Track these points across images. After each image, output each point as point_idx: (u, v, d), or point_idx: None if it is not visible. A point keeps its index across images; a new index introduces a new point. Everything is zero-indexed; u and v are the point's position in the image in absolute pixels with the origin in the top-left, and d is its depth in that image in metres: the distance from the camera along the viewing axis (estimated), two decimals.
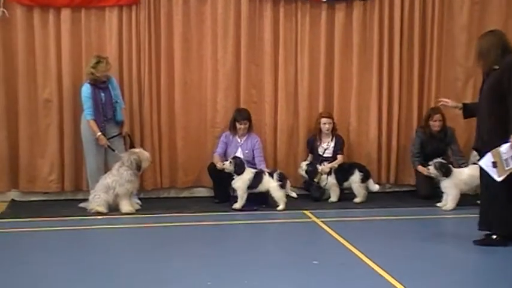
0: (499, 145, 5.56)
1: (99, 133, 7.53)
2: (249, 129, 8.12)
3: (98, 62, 7.53)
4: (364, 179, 8.08)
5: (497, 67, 5.69)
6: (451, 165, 7.71)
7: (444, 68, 8.74)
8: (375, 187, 8.13)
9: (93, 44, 8.13)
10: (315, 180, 8.09)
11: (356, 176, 8.05)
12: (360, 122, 8.71)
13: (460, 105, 6.52)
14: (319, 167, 8.09)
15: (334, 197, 8.11)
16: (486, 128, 5.78)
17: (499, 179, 5.62)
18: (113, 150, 7.57)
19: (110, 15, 8.12)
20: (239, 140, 8.10)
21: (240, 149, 8.04)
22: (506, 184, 5.64)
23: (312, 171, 8.06)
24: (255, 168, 7.86)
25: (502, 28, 8.48)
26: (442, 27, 8.67)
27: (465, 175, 7.67)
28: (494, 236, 5.90)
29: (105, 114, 7.61)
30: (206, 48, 8.38)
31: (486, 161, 5.69)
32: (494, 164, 5.61)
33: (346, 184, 8.13)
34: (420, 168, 8.17)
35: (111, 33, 8.14)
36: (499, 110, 5.62)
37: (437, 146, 8.28)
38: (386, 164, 8.79)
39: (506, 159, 5.54)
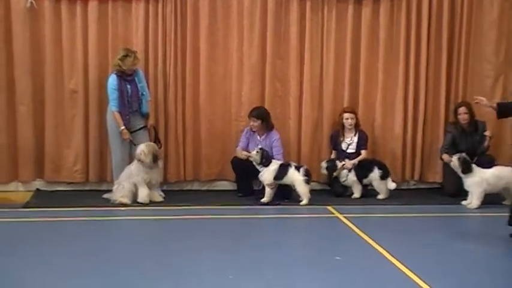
0: None
1: (123, 127, 7.56)
2: (265, 128, 8.06)
3: (126, 56, 7.56)
4: (384, 177, 8.01)
5: None
6: (473, 165, 7.60)
7: (472, 64, 8.62)
8: (392, 185, 8.04)
9: (120, 36, 8.17)
10: (334, 174, 8.04)
11: (375, 173, 8.01)
12: (385, 117, 8.63)
13: (494, 105, 6.40)
14: (339, 163, 8.03)
15: (357, 193, 8.06)
16: None
17: None
18: (134, 145, 7.58)
19: (137, 7, 8.14)
20: (259, 138, 8.08)
21: (259, 147, 8.01)
22: None
23: (331, 167, 8.02)
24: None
25: None
26: (470, 23, 8.54)
27: (489, 174, 7.56)
28: None
29: (130, 106, 7.64)
30: (232, 41, 8.37)
31: None
32: None
33: (365, 181, 8.08)
34: (445, 155, 8.08)
35: (137, 26, 8.17)
36: None
37: (471, 142, 8.15)
38: (411, 161, 8.71)
39: None
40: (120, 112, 7.57)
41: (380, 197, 8.02)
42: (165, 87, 8.29)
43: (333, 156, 8.34)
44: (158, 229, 6.68)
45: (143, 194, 7.45)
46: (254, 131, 8.07)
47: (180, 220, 6.98)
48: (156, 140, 7.94)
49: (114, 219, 6.90)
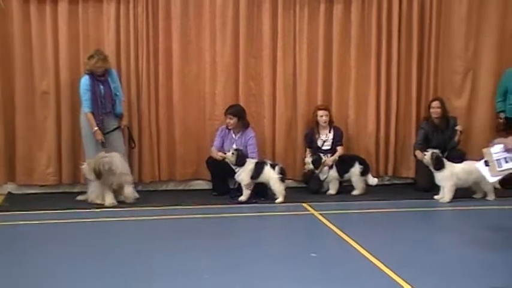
0: None
1: (96, 128, 7.50)
2: (241, 126, 8.06)
3: (90, 57, 7.51)
4: (364, 172, 8.09)
5: None
6: (445, 160, 7.70)
7: (442, 60, 8.72)
8: (374, 181, 8.15)
9: (91, 37, 8.10)
10: (317, 171, 8.07)
11: (356, 169, 8.08)
12: (358, 114, 8.70)
13: None
14: (324, 157, 8.07)
15: (332, 190, 8.11)
16: None
17: (491, 180, 5.60)
18: (104, 147, 7.50)
19: (108, 7, 8.08)
20: (234, 136, 8.08)
21: (235, 145, 8.01)
22: None
23: (318, 161, 8.04)
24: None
25: (501, 20, 8.57)
26: (440, 20, 8.64)
27: (459, 169, 7.68)
28: None
29: (104, 107, 7.58)
30: (204, 40, 8.36)
31: (481, 161, 5.66)
32: (486, 163, 5.55)
33: (346, 176, 8.14)
34: (417, 152, 8.17)
35: (108, 26, 8.11)
36: None
37: (443, 137, 8.27)
38: (384, 156, 8.79)
39: (498, 160, 5.45)
40: (93, 113, 7.51)
41: (355, 193, 8.08)
42: (138, 88, 8.25)
43: (307, 154, 8.37)
44: (133, 230, 6.63)
45: (108, 198, 7.40)
46: (229, 129, 8.07)
47: (156, 220, 6.96)
48: (130, 140, 7.91)
49: (88, 221, 6.84)
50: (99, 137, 7.51)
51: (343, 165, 8.13)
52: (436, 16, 8.59)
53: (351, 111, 8.69)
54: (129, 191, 7.54)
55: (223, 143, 8.08)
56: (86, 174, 7.39)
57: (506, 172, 5.54)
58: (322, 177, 8.13)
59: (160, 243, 5.92)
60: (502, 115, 8.50)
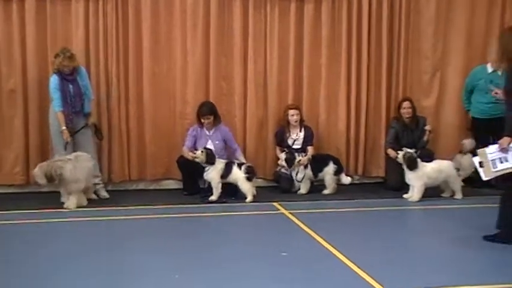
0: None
1: (64, 127, 7.40)
2: (216, 122, 8.07)
3: (56, 55, 7.41)
4: (338, 172, 8.13)
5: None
6: (418, 160, 7.78)
7: (411, 60, 8.82)
8: (347, 180, 8.20)
9: (59, 35, 8.00)
10: (292, 168, 8.07)
11: (330, 168, 8.11)
12: (328, 113, 8.74)
13: None
14: (298, 157, 8.08)
15: (303, 189, 8.14)
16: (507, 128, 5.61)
17: (485, 179, 5.58)
18: (65, 150, 7.39)
19: (76, 4, 7.99)
20: (208, 133, 8.07)
21: (210, 141, 8.01)
22: None
23: (291, 159, 8.05)
24: (225, 159, 7.88)
25: (468, 21, 8.71)
26: (409, 21, 8.73)
27: (429, 169, 7.76)
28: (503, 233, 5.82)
29: (73, 106, 7.49)
30: (175, 39, 8.31)
31: (475, 160, 5.67)
32: (481, 164, 5.56)
33: (320, 175, 8.16)
34: (390, 151, 8.25)
35: (77, 24, 8.02)
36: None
37: (412, 136, 8.36)
38: (354, 156, 8.85)
39: (493, 160, 5.49)
40: (63, 112, 7.43)
41: (326, 192, 8.12)
42: (108, 86, 8.18)
43: (277, 152, 8.39)
44: (103, 230, 6.57)
45: (68, 200, 7.29)
46: (202, 127, 8.04)
47: (126, 220, 6.90)
48: (97, 132, 7.82)
49: (57, 221, 6.76)
50: (66, 136, 7.42)
51: (317, 164, 8.16)
52: (405, 17, 8.68)
53: (321, 110, 8.73)
54: (71, 202, 7.25)
55: (195, 142, 8.05)
56: (37, 178, 7.14)
57: (501, 172, 5.57)
58: (298, 176, 8.12)
59: (130, 243, 5.88)
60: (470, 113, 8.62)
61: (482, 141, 8.35)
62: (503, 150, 5.50)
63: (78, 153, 7.37)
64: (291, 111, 8.31)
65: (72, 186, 7.21)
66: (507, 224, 5.75)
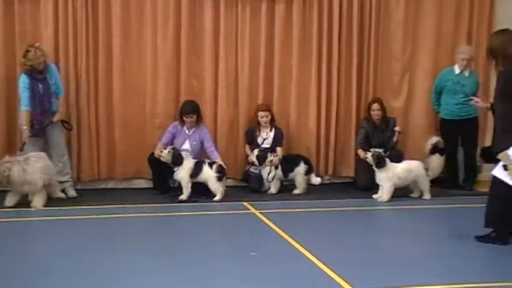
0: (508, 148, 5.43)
1: (25, 127, 7.31)
2: (198, 121, 8.05)
3: (27, 51, 7.30)
4: (308, 172, 8.16)
5: (502, 69, 5.60)
6: (387, 159, 7.85)
7: (381, 62, 8.90)
8: (317, 180, 8.24)
9: (28, 32, 7.90)
10: (262, 166, 8.06)
11: (301, 168, 8.14)
12: (299, 113, 8.77)
13: (489, 105, 6.59)
14: (270, 156, 8.08)
15: (273, 189, 8.15)
16: (498, 129, 5.65)
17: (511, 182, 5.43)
18: (21, 151, 7.29)
19: (45, 1, 7.90)
20: (187, 132, 8.04)
21: (187, 140, 7.99)
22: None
23: (263, 157, 8.05)
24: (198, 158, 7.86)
25: (436, 24, 8.83)
26: (379, 22, 8.81)
27: (399, 169, 7.84)
28: (494, 234, 5.88)
29: (42, 106, 7.40)
30: (146, 37, 8.27)
31: (498, 168, 5.51)
32: (505, 167, 5.44)
33: (291, 175, 8.18)
34: (359, 151, 8.32)
35: (46, 20, 7.93)
36: (509, 111, 5.49)
37: (382, 137, 8.44)
38: (325, 156, 8.89)
39: None
40: (32, 112, 7.32)
41: (296, 192, 8.15)
42: (77, 84, 8.10)
43: (247, 149, 8.40)
44: (71, 229, 6.47)
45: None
46: (182, 126, 8.01)
47: (94, 219, 6.84)
48: (64, 123, 7.70)
49: (25, 220, 6.68)
50: (25, 136, 7.32)
51: (288, 164, 8.18)
52: (375, 19, 8.75)
53: (292, 110, 8.76)
54: (36, 202, 7.15)
55: (173, 139, 8.01)
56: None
57: None
58: (269, 176, 8.10)
59: (99, 242, 5.83)
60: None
61: (451, 142, 8.54)
62: None
63: (31, 153, 7.22)
64: (261, 113, 8.32)
65: (24, 188, 7.09)
66: (498, 223, 5.81)
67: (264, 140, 8.37)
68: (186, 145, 7.96)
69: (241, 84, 8.58)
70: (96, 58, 8.13)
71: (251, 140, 8.42)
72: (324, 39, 8.66)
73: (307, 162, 8.23)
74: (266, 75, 8.62)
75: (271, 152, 8.20)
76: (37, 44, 7.41)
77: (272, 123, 8.42)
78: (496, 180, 5.61)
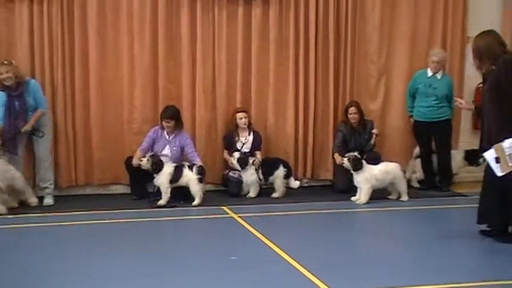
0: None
1: None
2: (178, 127, 8.04)
3: None
4: (287, 175, 8.18)
5: (493, 67, 5.69)
6: (363, 161, 7.91)
7: (358, 65, 8.95)
8: (296, 184, 8.27)
9: (2, 39, 7.84)
10: (244, 169, 8.05)
11: (281, 171, 8.16)
12: (277, 117, 8.80)
13: (473, 107, 6.64)
14: (251, 159, 8.08)
15: (252, 193, 8.15)
16: (494, 128, 5.70)
17: (500, 174, 5.59)
18: None
19: (20, 7, 7.83)
20: (167, 137, 8.02)
21: (168, 146, 7.98)
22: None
23: (244, 160, 8.04)
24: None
25: (411, 28, 8.93)
26: (355, 25, 8.86)
27: (376, 171, 7.90)
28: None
29: (16, 124, 7.36)
30: (122, 43, 8.23)
31: (490, 156, 5.64)
32: (498, 160, 5.56)
33: (271, 179, 8.19)
34: (336, 156, 8.36)
35: (21, 27, 7.86)
36: (503, 109, 5.60)
37: (360, 140, 8.49)
38: (303, 159, 8.92)
39: (510, 155, 5.51)
40: (4, 129, 7.31)
41: (275, 195, 8.16)
42: (53, 91, 8.04)
43: (225, 155, 8.39)
44: (46, 237, 6.41)
45: None
46: (163, 131, 8.00)
47: (72, 226, 6.79)
48: (34, 131, 7.58)
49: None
50: None
51: (268, 167, 8.19)
52: (351, 22, 8.79)
53: (270, 114, 8.78)
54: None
55: (153, 144, 7.99)
56: None
57: None
58: (251, 179, 8.11)
59: (77, 249, 5.81)
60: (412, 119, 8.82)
61: (425, 144, 8.64)
62: None
63: None
64: (239, 114, 8.34)
65: None
66: (494, 217, 5.92)
67: (243, 144, 8.37)
68: (166, 150, 7.95)
69: (218, 88, 8.58)
70: (73, 64, 8.09)
71: (230, 145, 8.42)
72: (301, 43, 8.69)
73: (286, 165, 8.26)
74: (243, 79, 8.64)
75: (250, 156, 8.21)
76: (6, 60, 7.34)
77: (250, 127, 8.43)
78: (489, 178, 5.76)
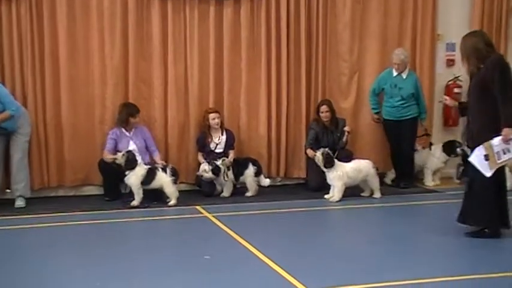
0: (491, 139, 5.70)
1: None
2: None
3: None
4: (257, 174, 8.20)
5: (481, 66, 5.83)
6: (335, 159, 7.95)
7: (329, 63, 8.99)
8: (266, 182, 8.29)
9: None
10: (219, 176, 8.04)
11: (250, 170, 8.16)
12: (249, 116, 8.79)
13: (456, 103, 6.74)
14: (218, 162, 8.04)
15: (226, 192, 8.15)
16: (477, 126, 5.88)
17: (489, 174, 5.73)
18: None
19: None
20: (128, 134, 8.00)
21: (131, 142, 7.95)
22: (494, 178, 5.80)
23: (218, 168, 7.99)
24: (148, 162, 7.85)
25: (382, 26, 9.01)
26: (326, 24, 8.90)
27: (348, 168, 7.95)
28: (486, 230, 6.03)
29: None
30: (92, 43, 8.15)
31: (478, 155, 5.76)
32: (487, 157, 5.71)
33: (241, 178, 8.20)
34: (309, 151, 8.40)
35: None
36: (489, 107, 5.74)
37: (332, 138, 8.53)
38: (276, 158, 8.93)
39: (497, 152, 5.67)
40: None
41: (248, 194, 8.18)
42: (24, 92, 7.94)
43: (199, 158, 8.36)
44: (18, 239, 6.34)
45: None
46: (123, 129, 7.97)
47: (44, 228, 6.72)
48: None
49: None
50: None
51: (238, 167, 8.20)
52: (322, 20, 8.83)
53: (242, 114, 8.78)
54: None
55: (116, 145, 7.95)
56: None
57: (504, 163, 5.78)
58: (225, 179, 8.08)
59: (50, 251, 5.75)
60: (376, 116, 8.90)
61: (393, 141, 8.74)
62: (508, 141, 5.67)
63: None
64: (212, 115, 8.32)
65: None
66: (486, 216, 5.97)
67: (217, 145, 8.36)
68: (132, 146, 7.92)
69: (191, 88, 8.55)
70: (43, 64, 7.99)
71: (203, 147, 8.39)
72: (273, 41, 8.70)
73: (255, 164, 8.26)
74: (216, 79, 8.62)
75: (223, 157, 8.17)
76: None
77: (222, 126, 8.42)
78: (477, 181, 5.85)
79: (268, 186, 8.33)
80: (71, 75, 8.11)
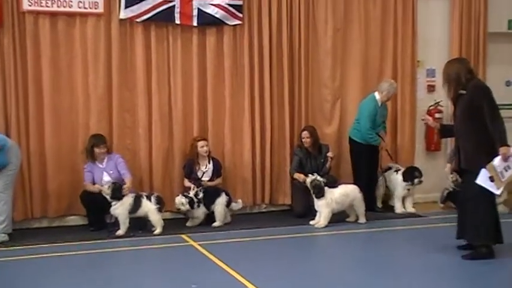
0: (488, 161, 5.89)
1: None
2: (108, 151, 8.01)
3: None
4: (229, 204, 8.17)
5: (464, 92, 6.08)
6: (325, 188, 7.95)
7: (312, 90, 9.08)
8: (238, 205, 8.30)
9: None
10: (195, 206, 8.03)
11: (223, 199, 8.09)
12: (234, 143, 8.82)
13: (438, 125, 6.89)
14: (192, 194, 8.01)
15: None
16: (470, 149, 6.09)
17: (498, 192, 5.97)
18: None
19: None
20: (100, 165, 7.97)
21: (105, 173, 7.92)
22: (486, 196, 5.99)
23: (192, 202, 7.96)
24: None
25: (363, 53, 9.13)
26: (308, 51, 9.01)
27: (337, 194, 7.98)
28: (484, 249, 6.14)
29: None
30: (76, 72, 8.16)
31: (483, 178, 5.93)
32: (492, 178, 5.90)
33: (212, 207, 8.09)
34: (297, 175, 8.41)
35: None
36: (478, 130, 5.99)
37: (315, 163, 8.56)
38: (261, 184, 8.94)
39: (501, 172, 5.87)
40: None
41: (216, 224, 8.01)
42: (7, 120, 7.91)
43: (186, 184, 8.33)
44: (4, 270, 6.27)
45: None
46: (94, 161, 7.92)
47: (29, 260, 6.64)
48: None
49: None
50: None
51: (209, 197, 8.09)
52: (304, 48, 8.94)
53: (227, 140, 8.80)
54: None
55: (93, 177, 7.93)
56: None
57: (508, 181, 5.95)
58: (196, 213, 8.06)
59: (34, 283, 5.69)
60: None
61: (373, 167, 8.79)
62: (507, 158, 5.86)
63: None
64: (201, 143, 8.31)
65: None
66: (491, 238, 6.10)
67: (204, 173, 8.35)
68: (106, 177, 7.88)
69: (175, 116, 8.57)
70: (26, 94, 7.97)
71: (190, 174, 8.37)
72: (256, 69, 8.77)
73: (228, 194, 8.22)
74: (200, 107, 8.65)
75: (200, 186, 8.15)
76: None
77: (209, 155, 8.43)
78: (477, 197, 6.00)
79: (254, 213, 8.29)
80: (54, 104, 8.09)
